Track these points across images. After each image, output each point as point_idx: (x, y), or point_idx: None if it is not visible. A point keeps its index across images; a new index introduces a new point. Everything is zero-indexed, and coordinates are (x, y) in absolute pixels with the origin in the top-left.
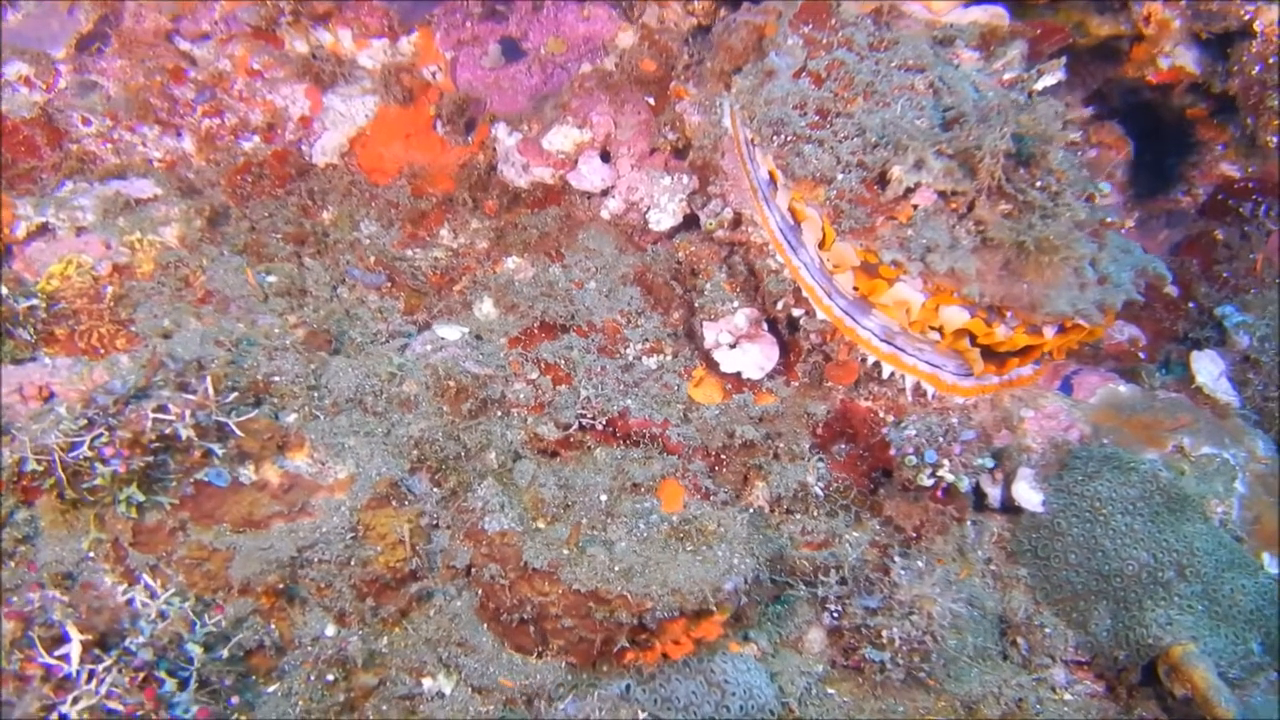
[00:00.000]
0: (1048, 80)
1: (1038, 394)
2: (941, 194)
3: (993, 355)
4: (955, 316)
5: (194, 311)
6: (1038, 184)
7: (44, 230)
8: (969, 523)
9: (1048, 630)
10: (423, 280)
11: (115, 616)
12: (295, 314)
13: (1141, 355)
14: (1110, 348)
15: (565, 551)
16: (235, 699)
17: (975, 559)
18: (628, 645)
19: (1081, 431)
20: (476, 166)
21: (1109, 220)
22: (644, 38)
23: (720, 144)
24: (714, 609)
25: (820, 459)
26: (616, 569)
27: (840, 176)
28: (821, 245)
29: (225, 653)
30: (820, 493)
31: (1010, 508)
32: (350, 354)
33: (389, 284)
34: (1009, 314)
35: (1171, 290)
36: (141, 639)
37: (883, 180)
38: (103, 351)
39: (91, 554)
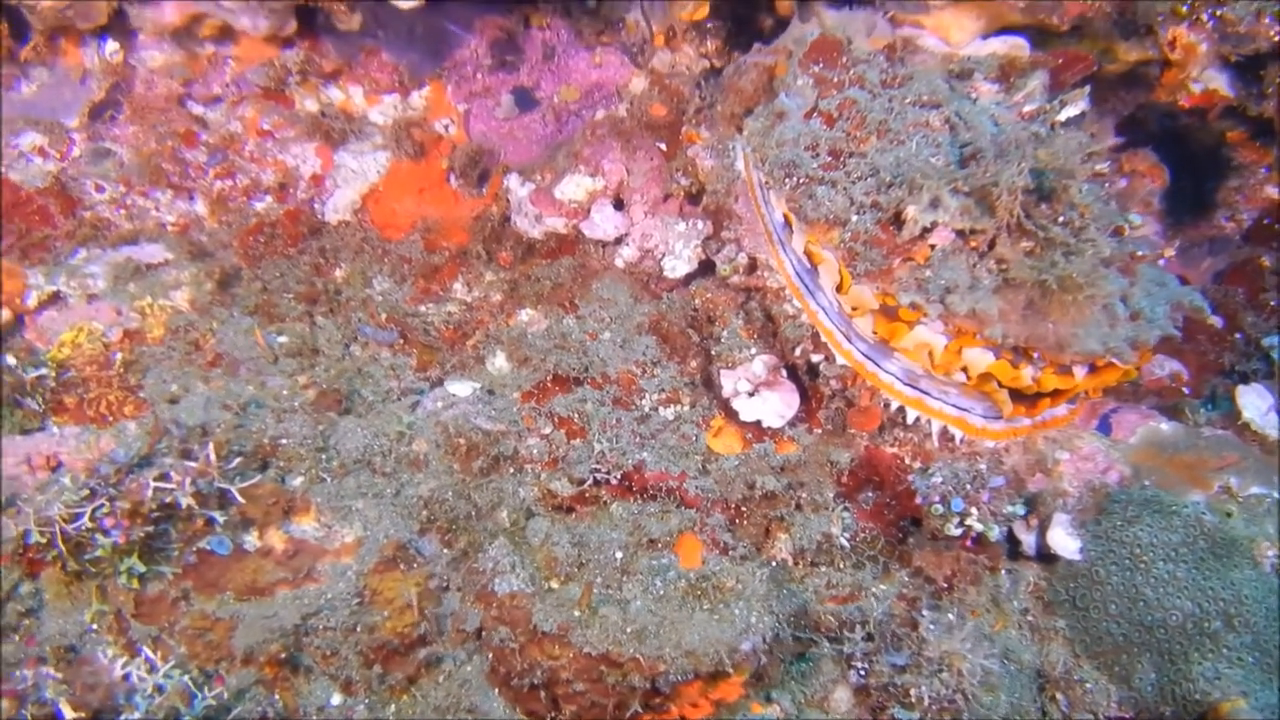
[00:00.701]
0: (1070, 111)
1: (1074, 435)
2: (960, 233)
3: (1024, 396)
4: (979, 359)
5: (203, 375)
6: (1060, 219)
7: (56, 299)
8: (1003, 572)
9: (1089, 685)
10: (435, 336)
11: (110, 692)
12: (306, 374)
13: (1185, 390)
14: (1150, 384)
15: (576, 613)
16: None
17: (1011, 610)
18: (641, 710)
19: (1121, 473)
20: (490, 218)
21: (1140, 254)
22: (654, 82)
23: (734, 188)
24: (730, 670)
25: (846, 508)
26: (629, 630)
27: (854, 218)
28: (839, 289)
29: None
30: (846, 544)
31: (1046, 555)
32: (361, 413)
33: (401, 341)
34: (1035, 354)
35: (1215, 321)
36: (136, 715)
37: (898, 221)
38: (111, 419)
39: (94, 626)
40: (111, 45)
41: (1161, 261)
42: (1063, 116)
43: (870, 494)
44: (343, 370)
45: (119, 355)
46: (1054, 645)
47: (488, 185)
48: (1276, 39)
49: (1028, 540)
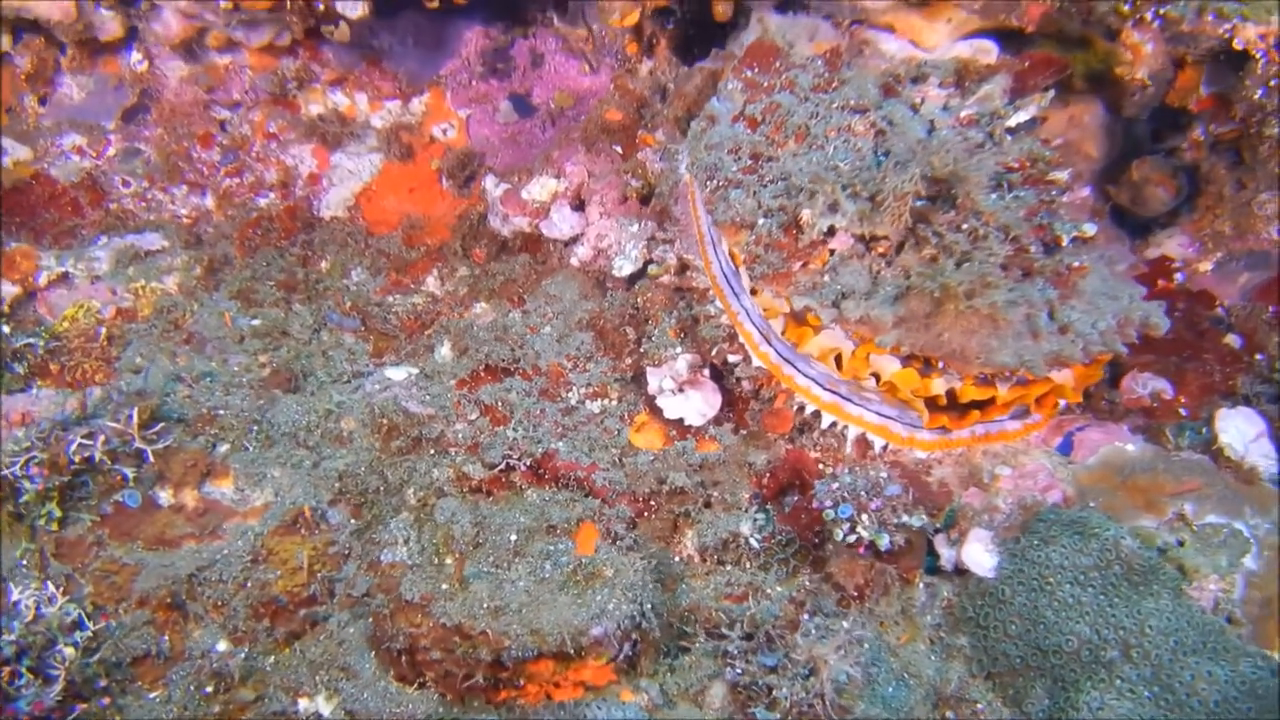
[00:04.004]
0: (1021, 116)
1: (1019, 451)
2: (862, 239)
3: (956, 407)
4: (886, 366)
5: (170, 350)
6: (963, 227)
7: (64, 279)
8: (920, 585)
9: (979, 706)
10: (396, 325)
11: None
12: (267, 354)
13: (1182, 411)
14: (1129, 402)
15: (445, 585)
16: (106, 700)
17: (923, 624)
18: (483, 682)
19: (1064, 493)
20: (472, 217)
21: (1078, 265)
22: (617, 87)
23: (675, 190)
24: (573, 653)
25: (761, 510)
26: (489, 606)
27: (761, 221)
28: (753, 292)
29: (98, 656)
30: (756, 545)
31: (963, 571)
32: (311, 393)
33: (363, 328)
34: (940, 364)
35: (1232, 340)
36: (10, 637)
37: (800, 225)
38: (83, 384)
39: (24, 562)
40: (136, 55)
41: (1179, 276)
42: (1013, 121)
43: (793, 497)
44: (300, 353)
45: (103, 330)
46: (955, 663)
47: (473, 186)
48: (1225, 35)
49: (946, 554)
